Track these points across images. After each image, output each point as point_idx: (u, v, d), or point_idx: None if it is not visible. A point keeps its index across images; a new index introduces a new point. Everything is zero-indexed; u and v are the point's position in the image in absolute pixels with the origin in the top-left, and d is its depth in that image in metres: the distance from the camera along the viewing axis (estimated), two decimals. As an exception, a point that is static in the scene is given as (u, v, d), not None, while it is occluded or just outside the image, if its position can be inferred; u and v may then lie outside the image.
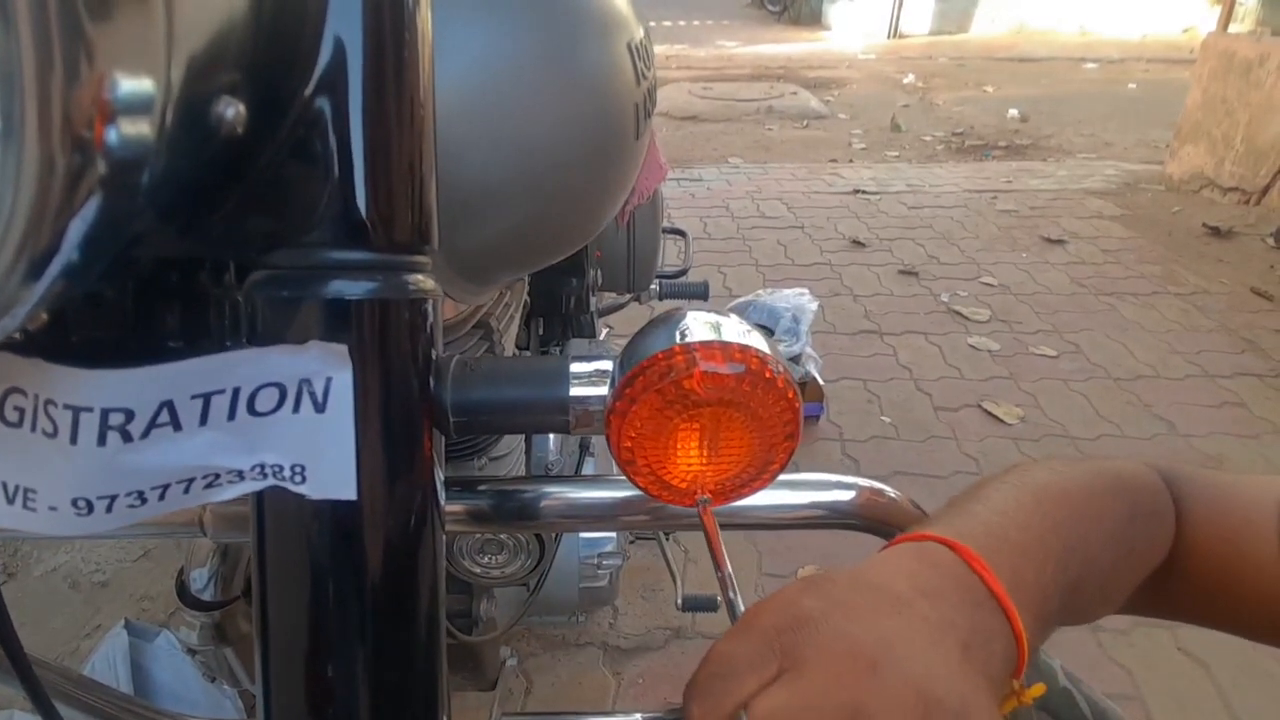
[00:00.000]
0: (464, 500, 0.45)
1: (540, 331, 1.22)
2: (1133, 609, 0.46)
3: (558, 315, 1.20)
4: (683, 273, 1.75)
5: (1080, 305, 2.69)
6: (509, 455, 0.81)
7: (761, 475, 0.36)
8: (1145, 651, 1.41)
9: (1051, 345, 2.42)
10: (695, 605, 1.06)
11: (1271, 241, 3.11)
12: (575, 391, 0.36)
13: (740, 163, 4.43)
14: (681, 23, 10.23)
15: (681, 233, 1.93)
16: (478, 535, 0.72)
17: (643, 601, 1.51)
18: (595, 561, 0.94)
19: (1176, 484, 0.44)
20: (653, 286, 1.60)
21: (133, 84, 0.19)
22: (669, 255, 2.32)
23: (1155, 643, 1.42)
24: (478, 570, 0.73)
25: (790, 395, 0.33)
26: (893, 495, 0.54)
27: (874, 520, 0.53)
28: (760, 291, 2.21)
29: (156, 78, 0.19)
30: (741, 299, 2.17)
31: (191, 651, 0.74)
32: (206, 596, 0.68)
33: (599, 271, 1.32)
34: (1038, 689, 0.33)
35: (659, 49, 8.17)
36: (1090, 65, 7.48)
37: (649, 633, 1.44)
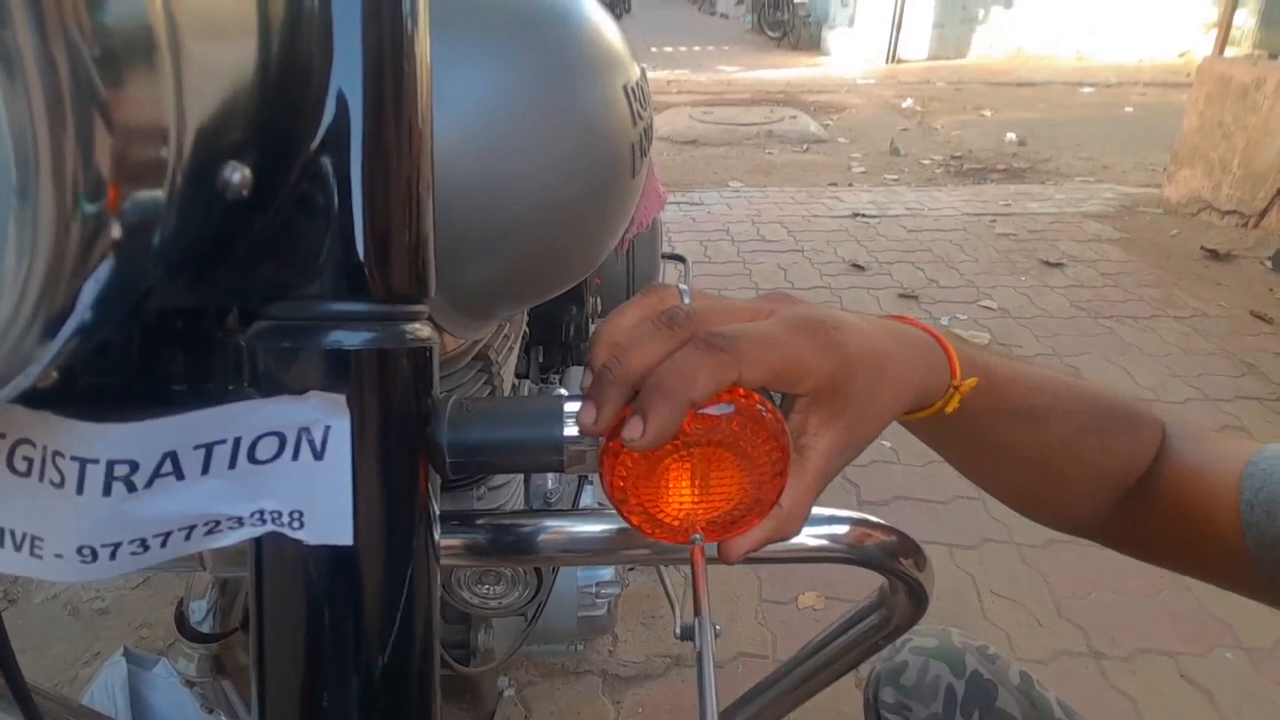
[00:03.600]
0: (461, 534, 0.46)
1: (540, 359, 1.23)
2: (1109, 535, 0.52)
3: (558, 343, 1.21)
4: (682, 298, 1.76)
5: (1079, 328, 2.70)
6: (507, 485, 0.81)
7: (753, 512, 0.36)
8: (1148, 680, 1.40)
9: (1051, 369, 2.42)
10: (694, 634, 1.05)
11: (1270, 264, 3.12)
12: (569, 431, 0.36)
13: (740, 186, 4.47)
14: (683, 48, 10.37)
15: (681, 258, 1.95)
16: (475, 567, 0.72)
17: (642, 629, 1.50)
18: (593, 590, 0.94)
19: (1171, 425, 0.50)
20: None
21: (145, 150, 0.20)
22: (669, 279, 2.33)
23: (1158, 671, 1.41)
24: (475, 601, 0.73)
25: (780, 434, 0.34)
26: (886, 529, 0.54)
27: (867, 555, 0.53)
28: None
29: (167, 144, 0.20)
30: (741, 323, 2.18)
31: (190, 683, 0.74)
32: (205, 628, 0.69)
33: (599, 299, 1.33)
34: (971, 381, 0.41)
35: (660, 74, 8.28)
36: (1087, 89, 7.56)
37: (649, 660, 1.44)
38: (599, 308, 1.34)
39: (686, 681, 1.40)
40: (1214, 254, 3.26)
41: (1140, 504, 0.50)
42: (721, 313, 0.35)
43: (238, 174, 0.23)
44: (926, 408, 0.42)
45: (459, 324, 0.56)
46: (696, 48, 10.50)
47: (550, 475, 0.89)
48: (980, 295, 2.95)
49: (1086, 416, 0.47)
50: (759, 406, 0.33)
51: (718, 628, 1.04)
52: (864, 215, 3.88)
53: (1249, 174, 3.46)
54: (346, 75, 0.27)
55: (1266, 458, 0.45)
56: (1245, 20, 4.12)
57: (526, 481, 0.88)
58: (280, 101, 0.25)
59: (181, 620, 0.69)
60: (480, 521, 0.47)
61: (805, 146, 5.47)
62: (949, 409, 0.42)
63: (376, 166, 0.28)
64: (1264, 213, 3.41)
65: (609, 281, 1.33)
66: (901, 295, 2.96)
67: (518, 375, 1.17)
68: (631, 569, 1.39)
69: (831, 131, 5.87)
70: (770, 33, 11.30)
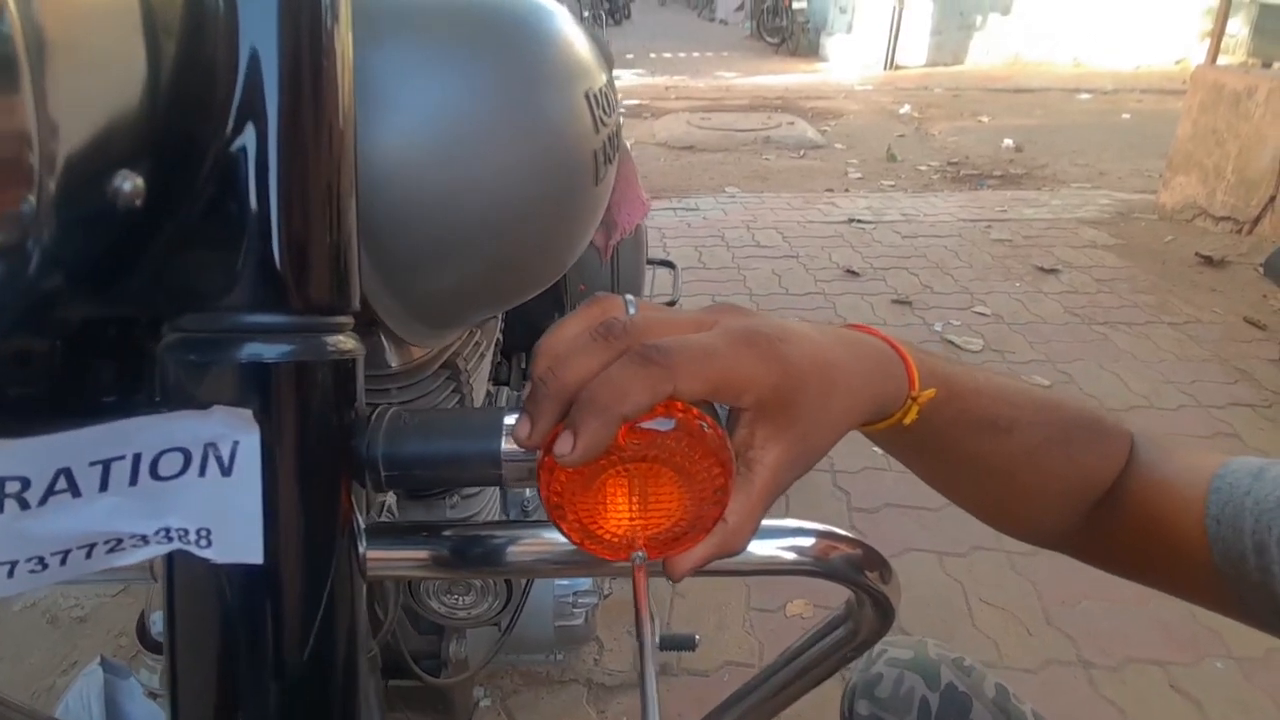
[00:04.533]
0: (428, 546, 0.44)
1: (522, 365, 1.22)
2: (1079, 547, 0.52)
3: (539, 350, 1.20)
4: (671, 304, 1.76)
5: (1073, 335, 2.69)
6: (480, 494, 0.80)
7: (695, 529, 0.35)
8: (1137, 689, 1.38)
9: (1045, 375, 2.42)
10: (674, 644, 1.04)
11: (1262, 270, 3.11)
12: (508, 445, 0.36)
13: (737, 192, 4.47)
14: (681, 54, 10.38)
15: (671, 264, 1.94)
16: (443, 577, 0.71)
17: (628, 637, 1.49)
18: (570, 600, 0.93)
19: (1140, 436, 0.49)
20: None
21: (4, 157, 0.19)
22: (662, 284, 2.33)
23: (1148, 680, 1.40)
24: (443, 611, 0.72)
25: (721, 449, 0.33)
26: (851, 541, 0.53)
27: (832, 567, 0.52)
28: (751, 322, 2.21)
29: (32, 150, 0.20)
30: (732, 330, 2.17)
31: (153, 695, 0.73)
32: (167, 640, 0.68)
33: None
34: (929, 392, 0.39)
35: (659, 80, 8.29)
36: (1084, 96, 7.57)
37: (634, 669, 1.42)
38: (583, 314, 1.33)
39: (672, 690, 1.39)
40: (1208, 260, 3.26)
41: (1108, 516, 0.49)
42: (662, 324, 0.34)
43: (128, 183, 0.22)
44: (885, 419, 0.41)
45: (420, 334, 0.55)
46: (695, 54, 10.52)
47: (525, 484, 0.88)
48: (974, 301, 2.95)
49: (1052, 428, 0.46)
50: (699, 422, 0.32)
51: (697, 637, 1.03)
52: (860, 221, 3.88)
53: (1242, 181, 3.46)
54: (256, 73, 0.26)
55: (1233, 471, 0.44)
56: (1238, 29, 4.13)
57: (503, 490, 0.87)
58: (179, 106, 0.24)
59: (143, 631, 0.68)
60: (448, 533, 0.46)
61: (802, 152, 5.48)
62: (907, 420, 0.41)
63: (293, 170, 0.28)
64: (1257, 219, 3.40)
65: (593, 287, 1.32)
66: (895, 301, 2.95)
67: (498, 382, 1.17)
68: (614, 577, 1.37)
69: (829, 137, 5.87)
70: (769, 39, 11.32)
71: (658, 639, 1.02)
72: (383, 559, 0.39)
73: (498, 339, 0.92)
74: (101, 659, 1.07)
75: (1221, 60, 3.83)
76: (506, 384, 1.15)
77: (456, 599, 0.73)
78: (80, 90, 0.20)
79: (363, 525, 0.32)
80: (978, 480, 0.49)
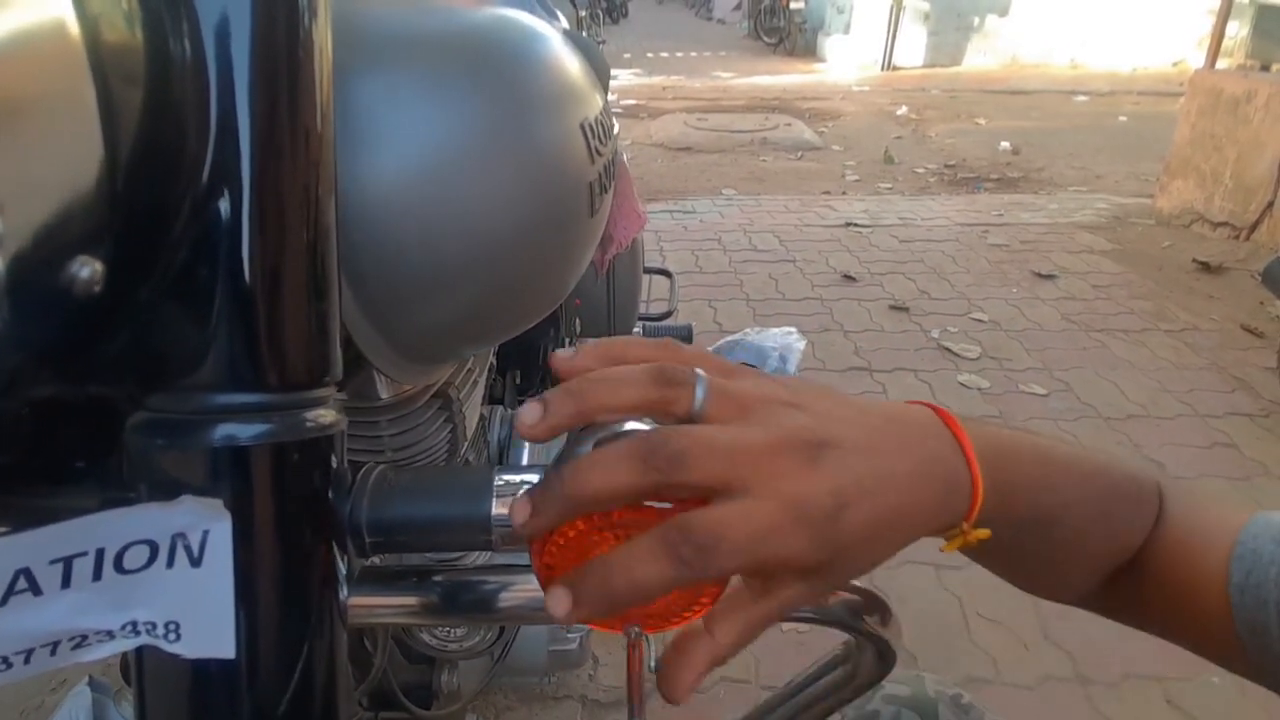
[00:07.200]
0: (417, 592, 0.43)
1: (518, 381, 1.21)
2: (1103, 604, 0.49)
3: (535, 366, 1.19)
4: (668, 314, 1.75)
5: (1070, 342, 2.68)
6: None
7: (692, 607, 0.34)
8: (1135, 706, 1.38)
9: (1041, 383, 2.41)
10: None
11: (1260, 279, 3.11)
12: (498, 509, 0.34)
13: (734, 194, 4.45)
14: (679, 54, 10.36)
15: (667, 273, 1.93)
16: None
17: (624, 652, 1.47)
18: (564, 625, 0.91)
19: (1166, 489, 0.46)
20: (636, 330, 1.59)
21: None
22: (655, 294, 2.31)
23: (1145, 696, 1.39)
24: (435, 644, 0.71)
25: None
26: (850, 586, 0.52)
27: (830, 613, 0.51)
28: (748, 330, 2.20)
29: None
30: (728, 338, 2.16)
31: (138, 729, 0.71)
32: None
33: (579, 320, 1.31)
34: (983, 532, 0.35)
35: (655, 80, 8.27)
36: (1081, 98, 7.57)
37: None
38: (579, 328, 1.32)
39: (666, 708, 1.38)
40: (1205, 266, 3.25)
41: (1133, 578, 0.46)
42: (725, 452, 0.29)
43: (86, 269, 0.21)
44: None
45: (408, 371, 0.54)
46: (693, 53, 10.49)
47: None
48: (971, 307, 2.94)
49: (1091, 504, 0.43)
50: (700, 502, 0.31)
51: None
52: (857, 225, 3.87)
53: (1240, 186, 3.45)
54: (227, 145, 0.25)
55: (1254, 536, 0.41)
56: (1237, 31, 4.13)
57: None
58: (144, 170, 0.23)
59: (125, 669, 0.67)
60: (439, 578, 0.45)
61: (799, 154, 5.46)
62: (946, 549, 0.36)
63: (270, 233, 0.26)
64: (1255, 225, 3.40)
65: (588, 302, 1.31)
66: (893, 307, 2.94)
67: (493, 400, 1.15)
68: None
69: (826, 139, 5.86)
70: (766, 39, 11.30)
71: (653, 664, 1.01)
72: (371, 605, 0.38)
73: (491, 363, 0.91)
74: (89, 679, 1.06)
75: (1221, 62, 3.82)
76: (501, 402, 1.13)
77: (448, 632, 0.72)
78: (29, 165, 0.19)
79: (344, 571, 0.31)
80: (1010, 563, 0.47)
